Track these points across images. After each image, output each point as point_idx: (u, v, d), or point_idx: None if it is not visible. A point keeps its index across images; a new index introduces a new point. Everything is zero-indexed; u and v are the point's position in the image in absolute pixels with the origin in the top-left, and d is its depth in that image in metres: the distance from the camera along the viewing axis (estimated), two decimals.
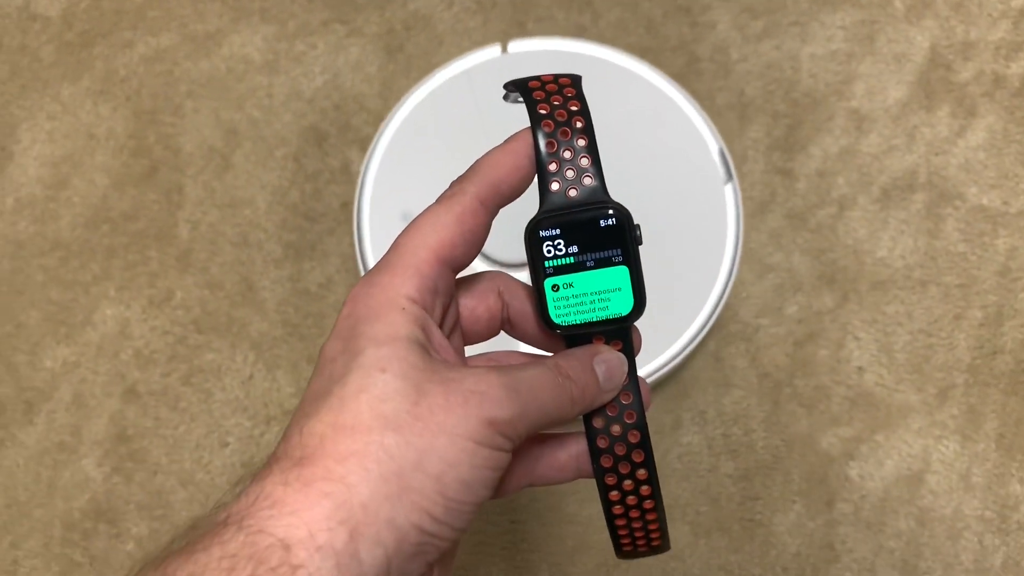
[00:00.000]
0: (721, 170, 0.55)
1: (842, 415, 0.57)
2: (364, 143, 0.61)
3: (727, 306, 0.58)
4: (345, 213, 0.59)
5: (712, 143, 0.55)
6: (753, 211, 0.60)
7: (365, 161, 0.56)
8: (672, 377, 0.57)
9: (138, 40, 0.63)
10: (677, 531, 0.55)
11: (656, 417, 0.57)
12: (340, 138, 0.61)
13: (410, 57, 0.63)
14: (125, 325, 0.59)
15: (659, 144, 0.56)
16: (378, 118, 0.61)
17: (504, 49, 0.57)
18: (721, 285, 0.54)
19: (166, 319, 0.59)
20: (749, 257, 0.59)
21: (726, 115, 0.62)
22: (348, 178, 0.60)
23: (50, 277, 0.59)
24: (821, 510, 0.55)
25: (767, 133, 0.61)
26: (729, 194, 0.54)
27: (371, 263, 0.54)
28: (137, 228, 0.60)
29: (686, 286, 0.54)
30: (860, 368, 0.57)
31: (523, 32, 0.63)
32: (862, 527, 0.55)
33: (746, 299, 0.58)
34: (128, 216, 0.60)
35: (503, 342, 0.35)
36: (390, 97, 0.62)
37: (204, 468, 0.56)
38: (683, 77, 0.62)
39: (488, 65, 0.57)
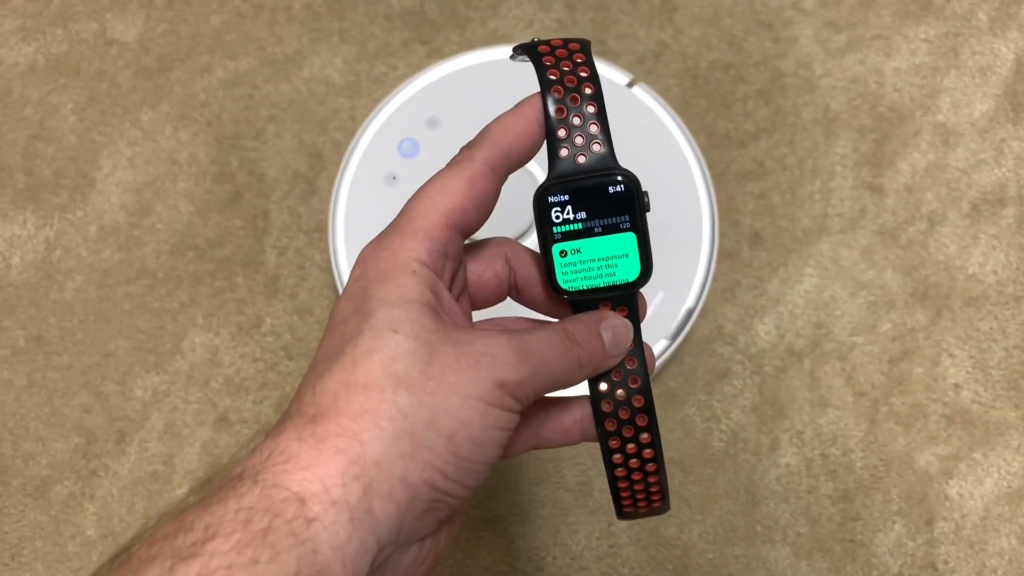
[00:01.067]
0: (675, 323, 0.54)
1: (939, 433, 0.56)
2: None
3: (820, 324, 0.58)
4: None
5: (694, 292, 0.55)
6: (843, 227, 0.59)
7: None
8: (768, 398, 0.57)
9: (216, 64, 0.63)
10: (777, 553, 0.55)
11: (753, 438, 0.56)
12: None
13: None
14: (214, 353, 0.58)
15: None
16: None
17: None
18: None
19: (256, 346, 0.58)
20: (842, 275, 0.59)
21: (812, 130, 0.61)
22: None
23: (137, 305, 0.59)
24: (922, 529, 0.55)
25: (854, 148, 0.61)
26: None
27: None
28: (223, 255, 0.60)
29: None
30: (956, 385, 0.57)
31: (604, 49, 0.63)
32: (964, 546, 0.55)
33: (840, 317, 0.58)
34: (213, 243, 0.60)
35: (509, 309, 0.35)
36: None
37: None
38: (767, 93, 0.62)
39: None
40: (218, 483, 0.27)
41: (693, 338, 0.58)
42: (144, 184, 0.61)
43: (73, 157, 0.62)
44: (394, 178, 0.56)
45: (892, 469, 0.56)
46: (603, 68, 0.57)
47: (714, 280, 0.59)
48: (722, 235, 0.60)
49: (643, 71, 0.61)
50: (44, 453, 0.57)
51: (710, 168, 0.61)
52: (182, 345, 0.59)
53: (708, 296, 0.55)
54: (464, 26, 0.63)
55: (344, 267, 0.55)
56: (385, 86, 0.62)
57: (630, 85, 0.57)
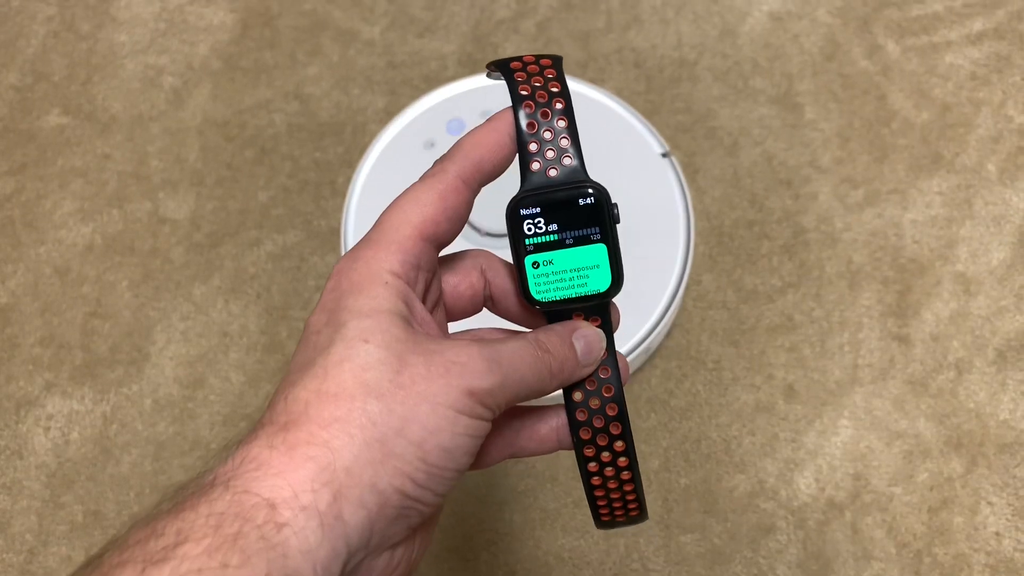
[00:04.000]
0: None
1: None
2: None
3: (858, 475, 0.59)
4: None
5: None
6: (874, 378, 0.61)
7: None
8: (812, 552, 0.58)
9: (264, 238, 0.66)
10: None
11: None
12: None
13: None
14: None
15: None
16: None
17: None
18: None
19: None
20: (876, 425, 0.60)
21: (837, 283, 0.64)
22: None
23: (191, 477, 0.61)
24: None
25: (879, 300, 0.63)
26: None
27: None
28: None
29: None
30: (997, 534, 0.58)
31: None
32: None
33: (877, 468, 0.59)
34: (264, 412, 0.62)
35: (485, 321, 0.36)
36: None
37: None
38: (791, 248, 0.64)
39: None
40: (190, 490, 0.27)
41: (735, 494, 0.59)
42: (197, 357, 0.64)
43: (128, 332, 0.64)
44: None
45: None
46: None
47: (752, 435, 0.60)
48: (756, 388, 0.61)
49: None
50: None
51: (740, 323, 0.63)
52: None
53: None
54: None
55: None
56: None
57: (665, 155, 0.62)
